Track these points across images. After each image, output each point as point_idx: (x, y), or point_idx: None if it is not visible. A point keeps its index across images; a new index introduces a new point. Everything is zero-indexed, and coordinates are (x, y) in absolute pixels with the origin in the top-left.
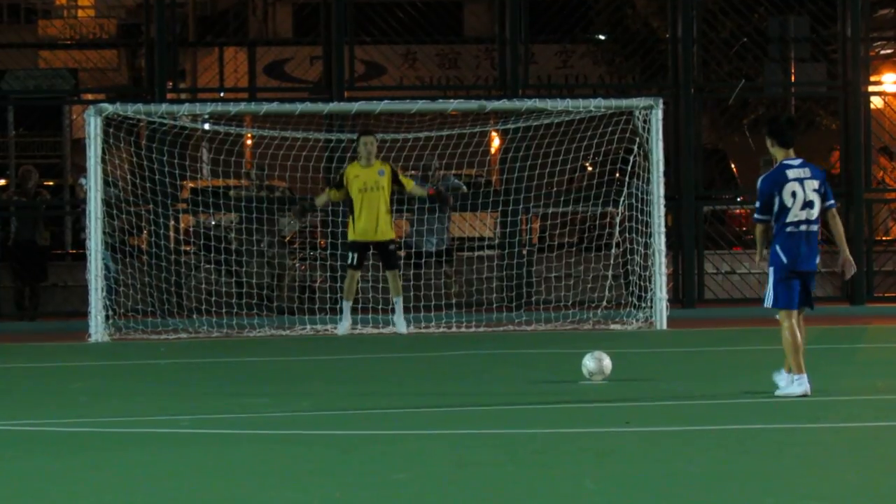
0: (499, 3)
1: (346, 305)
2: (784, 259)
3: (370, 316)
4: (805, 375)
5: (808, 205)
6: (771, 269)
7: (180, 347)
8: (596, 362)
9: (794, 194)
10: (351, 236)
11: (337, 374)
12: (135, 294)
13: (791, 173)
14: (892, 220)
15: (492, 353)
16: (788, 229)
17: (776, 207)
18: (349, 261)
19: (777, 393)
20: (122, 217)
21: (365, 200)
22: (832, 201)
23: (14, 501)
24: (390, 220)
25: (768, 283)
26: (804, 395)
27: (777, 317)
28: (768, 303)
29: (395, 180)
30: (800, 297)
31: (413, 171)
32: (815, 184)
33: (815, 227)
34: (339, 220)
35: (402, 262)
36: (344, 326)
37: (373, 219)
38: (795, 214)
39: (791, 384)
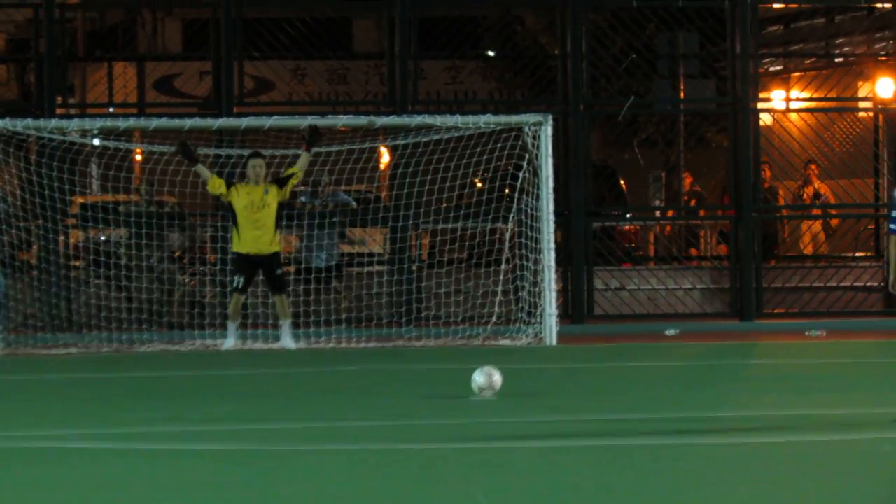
0: (388, 19)
1: (231, 326)
2: None
3: (259, 331)
4: None
5: None
6: None
7: (70, 362)
8: (486, 378)
9: None
10: (235, 247)
11: (227, 389)
12: (24, 309)
13: None
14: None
15: (382, 369)
16: None
17: None
18: (235, 284)
19: None
20: (11, 232)
21: (250, 218)
22: None
23: None
24: (276, 236)
25: None
26: None
27: None
28: None
29: (283, 184)
30: None
31: (303, 186)
32: None
33: None
34: (229, 235)
35: (292, 277)
36: (229, 343)
37: (259, 234)
38: None
39: None
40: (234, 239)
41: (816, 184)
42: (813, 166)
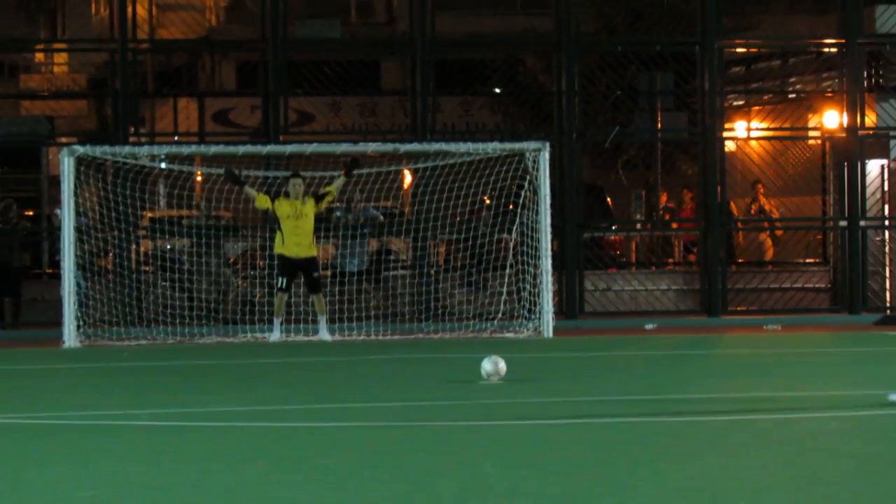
0: (410, 61)
1: (276, 321)
2: None
3: (301, 325)
4: None
5: None
6: None
7: (140, 352)
8: (493, 365)
9: None
10: (278, 249)
11: (272, 375)
12: (102, 307)
13: None
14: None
15: (404, 357)
16: None
17: None
18: (279, 285)
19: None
20: (91, 242)
21: (292, 225)
22: None
23: None
24: (313, 241)
25: None
26: None
27: None
28: None
29: (319, 199)
30: None
31: (338, 203)
32: None
33: None
34: (273, 241)
35: (329, 279)
36: (275, 336)
37: (299, 239)
38: None
39: None
40: (277, 243)
41: (762, 200)
42: (759, 186)
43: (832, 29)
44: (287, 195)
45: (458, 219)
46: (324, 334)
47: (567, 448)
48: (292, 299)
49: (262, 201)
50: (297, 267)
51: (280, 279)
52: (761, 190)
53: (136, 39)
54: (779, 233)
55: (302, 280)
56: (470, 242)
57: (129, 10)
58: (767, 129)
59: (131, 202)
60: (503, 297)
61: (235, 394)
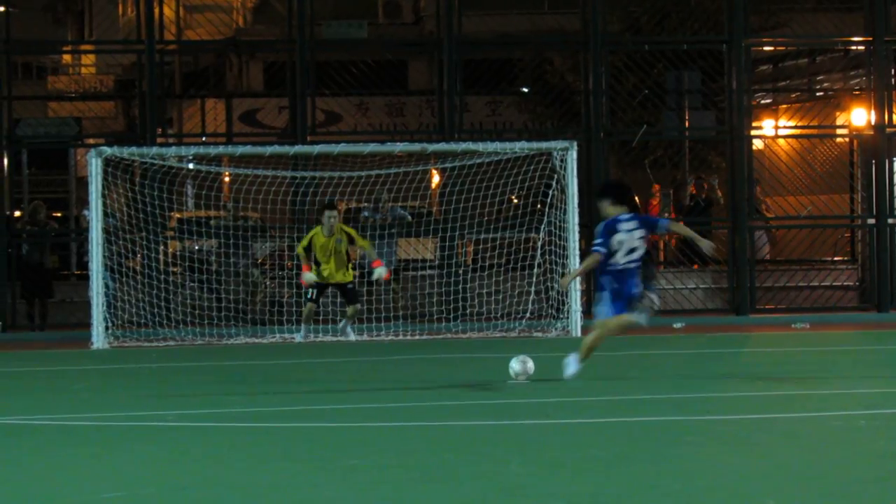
0: (438, 61)
1: (304, 327)
2: (608, 289)
3: (329, 326)
4: (581, 364)
5: (631, 251)
6: (605, 294)
7: (169, 353)
8: (521, 364)
9: (621, 242)
10: (317, 279)
11: (301, 375)
12: (130, 308)
13: (622, 226)
14: (769, 244)
15: (432, 358)
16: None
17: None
18: (309, 295)
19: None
20: (119, 243)
21: (325, 258)
22: (664, 222)
23: (27, 485)
24: (348, 268)
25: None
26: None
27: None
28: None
29: (351, 242)
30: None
31: (366, 203)
32: (642, 232)
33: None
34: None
35: (356, 280)
36: (300, 337)
37: (331, 269)
38: (619, 259)
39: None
40: (313, 268)
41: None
42: (758, 187)
43: (859, 27)
44: (321, 226)
45: (486, 218)
46: (349, 335)
47: (594, 447)
48: (318, 310)
49: (304, 257)
50: (330, 285)
51: (311, 290)
52: (758, 190)
53: (164, 41)
54: (775, 232)
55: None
56: (498, 242)
57: (157, 11)
58: (795, 127)
59: (159, 203)
60: (531, 297)
61: (263, 395)
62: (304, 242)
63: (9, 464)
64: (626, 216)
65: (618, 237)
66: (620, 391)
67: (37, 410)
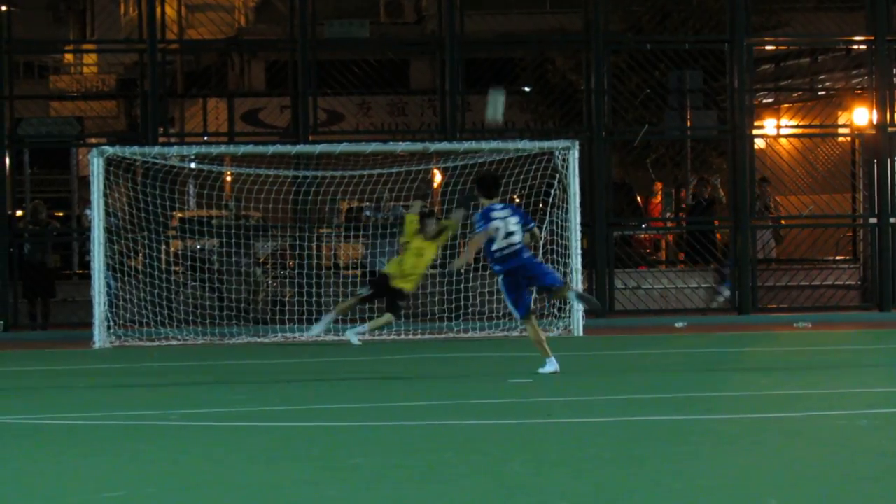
0: (440, 61)
1: (329, 316)
2: (503, 273)
3: (339, 325)
4: (553, 357)
5: (509, 234)
6: (503, 290)
7: (171, 353)
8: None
9: (497, 229)
10: (390, 270)
11: (302, 374)
12: (132, 307)
13: (496, 214)
14: (773, 242)
15: (434, 357)
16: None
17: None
18: (361, 292)
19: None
20: (121, 242)
21: (415, 259)
22: (532, 223)
23: (29, 484)
24: (418, 279)
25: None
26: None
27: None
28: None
29: (438, 235)
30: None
31: (367, 203)
32: (516, 218)
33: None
34: (304, 243)
35: (358, 279)
36: (318, 330)
37: (416, 277)
38: (500, 244)
39: (548, 366)
40: (392, 265)
41: (772, 198)
42: (769, 186)
43: (861, 26)
44: (424, 229)
45: None
46: (353, 337)
47: (596, 446)
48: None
49: (411, 224)
50: (386, 289)
51: (364, 289)
52: (769, 187)
53: (165, 40)
54: (783, 232)
55: (384, 298)
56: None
57: (158, 10)
58: (797, 126)
59: (161, 202)
60: (533, 296)
61: (265, 394)
62: (409, 236)
63: (10, 463)
64: (500, 205)
65: (493, 224)
66: (622, 390)
67: (38, 410)
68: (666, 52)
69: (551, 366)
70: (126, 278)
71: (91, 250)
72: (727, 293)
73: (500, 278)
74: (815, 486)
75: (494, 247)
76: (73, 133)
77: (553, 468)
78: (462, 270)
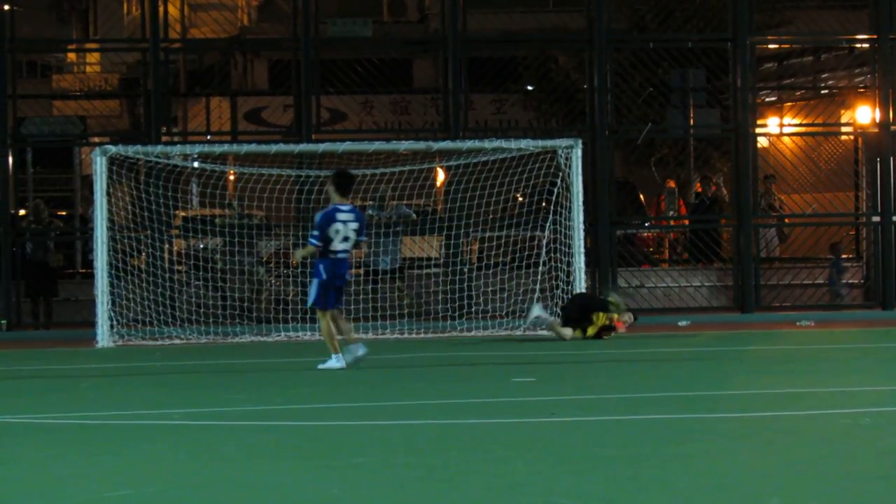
0: (442, 59)
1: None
2: (325, 276)
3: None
4: (341, 354)
5: (345, 239)
6: (315, 281)
7: (174, 352)
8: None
9: (338, 231)
10: None
11: (305, 374)
12: (135, 307)
13: (340, 216)
14: (777, 239)
15: (437, 356)
16: (333, 256)
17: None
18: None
19: (320, 367)
20: (124, 241)
21: None
22: (363, 237)
23: (32, 483)
24: None
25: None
26: (342, 368)
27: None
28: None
29: None
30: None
31: (370, 201)
32: (356, 224)
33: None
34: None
35: (361, 278)
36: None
37: None
38: (336, 246)
39: (331, 361)
40: None
41: (776, 195)
42: (774, 184)
43: (864, 24)
44: None
45: (491, 216)
46: (537, 309)
47: (601, 445)
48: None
49: None
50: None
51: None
52: (774, 186)
53: (168, 39)
54: (787, 230)
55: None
56: (503, 240)
57: (161, 9)
58: (800, 125)
59: (164, 201)
60: (536, 295)
61: (268, 393)
62: None
63: (14, 462)
64: (347, 207)
65: (335, 226)
66: (626, 389)
67: (41, 409)
68: (669, 50)
69: (337, 361)
70: (129, 277)
71: (94, 249)
72: (844, 292)
73: (321, 269)
74: (818, 485)
75: (331, 248)
76: (75, 132)
77: (557, 467)
78: (465, 270)
